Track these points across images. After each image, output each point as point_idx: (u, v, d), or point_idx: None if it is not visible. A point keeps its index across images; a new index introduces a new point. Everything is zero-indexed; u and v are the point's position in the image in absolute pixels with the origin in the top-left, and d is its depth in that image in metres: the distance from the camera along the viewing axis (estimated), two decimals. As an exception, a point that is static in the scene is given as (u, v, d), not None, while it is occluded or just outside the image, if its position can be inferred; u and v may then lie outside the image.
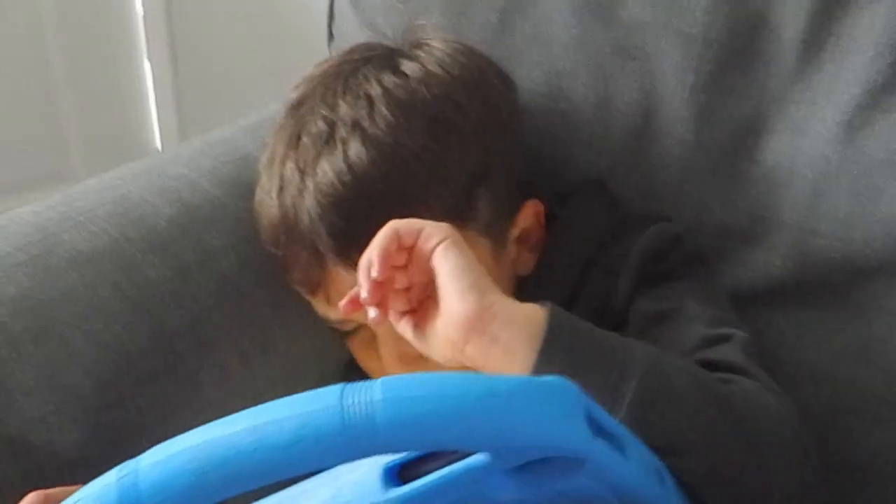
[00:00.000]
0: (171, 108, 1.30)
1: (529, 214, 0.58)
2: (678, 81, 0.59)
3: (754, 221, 0.59)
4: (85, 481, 0.31)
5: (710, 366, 0.48)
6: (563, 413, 0.33)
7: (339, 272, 0.53)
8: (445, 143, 0.53)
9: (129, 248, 0.53)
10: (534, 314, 0.44)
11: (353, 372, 0.59)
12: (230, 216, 0.58)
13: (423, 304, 0.46)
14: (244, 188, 0.59)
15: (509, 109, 0.57)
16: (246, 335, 0.55)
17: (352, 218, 0.52)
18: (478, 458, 0.32)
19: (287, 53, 1.04)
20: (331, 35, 0.73)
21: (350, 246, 0.51)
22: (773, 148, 0.58)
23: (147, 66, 1.30)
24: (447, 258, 0.44)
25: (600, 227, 0.58)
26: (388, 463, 0.33)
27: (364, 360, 0.58)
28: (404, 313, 0.46)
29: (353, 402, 0.30)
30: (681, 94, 0.59)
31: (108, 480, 0.31)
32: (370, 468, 0.34)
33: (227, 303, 0.55)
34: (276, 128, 0.57)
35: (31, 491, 0.39)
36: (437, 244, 0.44)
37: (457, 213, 0.53)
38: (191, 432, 0.32)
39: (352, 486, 0.35)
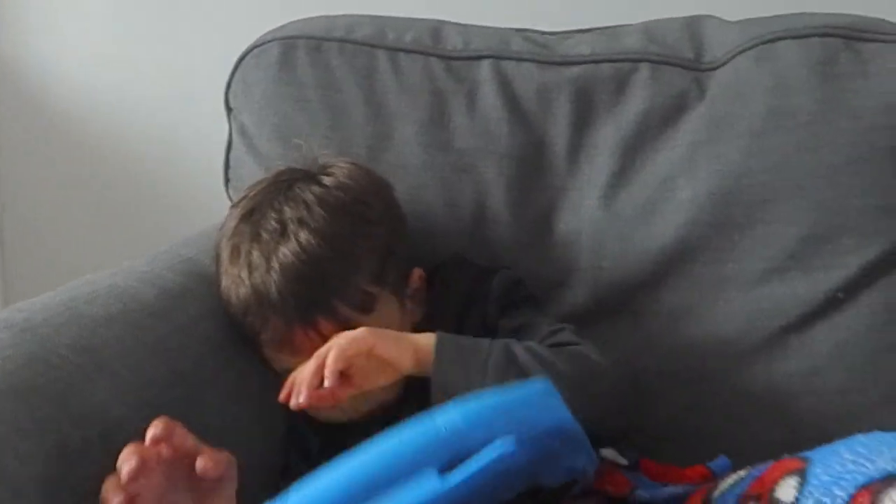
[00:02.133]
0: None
1: (416, 278, 0.81)
2: (497, 185, 0.86)
3: (561, 270, 0.86)
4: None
5: (557, 345, 0.73)
6: (558, 403, 0.54)
7: (298, 329, 0.72)
8: (363, 229, 0.76)
9: (135, 312, 0.67)
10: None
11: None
12: (196, 294, 0.74)
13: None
14: (198, 277, 0.76)
15: (396, 204, 0.81)
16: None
17: (310, 286, 0.71)
18: (506, 446, 0.50)
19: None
20: (227, 179, 0.93)
21: (309, 307, 0.71)
22: (564, 220, 0.87)
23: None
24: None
25: (468, 279, 0.82)
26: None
27: None
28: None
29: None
30: (500, 193, 0.86)
31: None
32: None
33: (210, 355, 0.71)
34: (230, 233, 0.75)
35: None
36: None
37: (377, 278, 0.75)
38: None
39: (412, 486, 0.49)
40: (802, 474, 0.53)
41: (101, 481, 0.55)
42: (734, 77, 0.84)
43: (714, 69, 0.86)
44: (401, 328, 0.76)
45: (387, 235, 0.77)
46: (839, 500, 0.49)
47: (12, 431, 0.52)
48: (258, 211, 0.75)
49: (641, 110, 0.85)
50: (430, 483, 0.50)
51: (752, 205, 0.81)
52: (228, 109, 0.92)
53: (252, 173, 0.88)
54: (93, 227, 1.22)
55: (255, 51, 0.91)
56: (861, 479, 0.49)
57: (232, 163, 0.92)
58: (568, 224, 0.86)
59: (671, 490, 0.66)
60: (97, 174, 1.23)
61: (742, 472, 0.60)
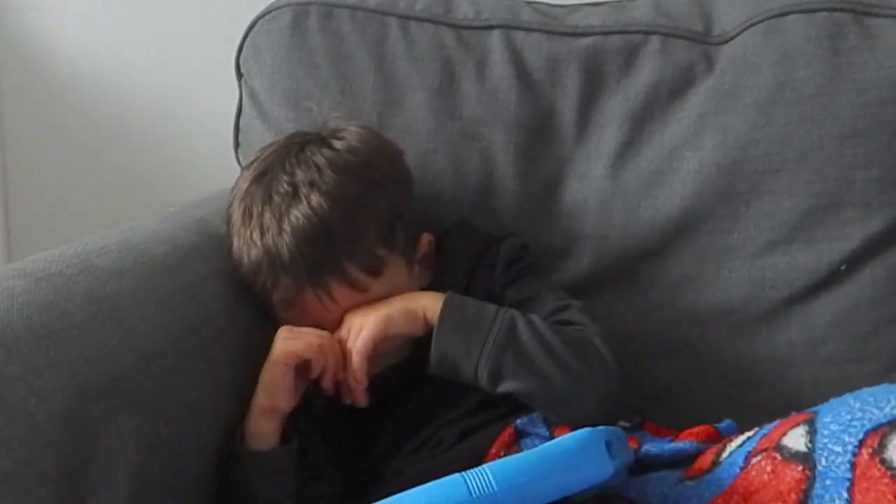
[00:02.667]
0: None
1: (425, 243, 0.82)
2: (504, 153, 0.88)
3: (566, 239, 0.87)
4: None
5: (561, 323, 0.74)
6: (597, 453, 0.53)
7: (308, 290, 0.72)
8: (373, 193, 0.76)
9: (147, 266, 0.68)
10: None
11: None
12: (206, 253, 0.75)
13: None
14: (208, 236, 0.77)
15: (405, 169, 0.82)
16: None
17: (320, 248, 0.72)
18: None
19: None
20: (237, 144, 0.94)
21: (319, 267, 0.72)
22: (571, 189, 0.88)
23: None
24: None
25: (475, 245, 0.83)
26: None
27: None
28: None
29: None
30: (507, 161, 0.88)
31: None
32: None
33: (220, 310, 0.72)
34: (242, 194, 0.76)
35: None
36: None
37: (386, 241, 0.75)
38: None
39: None
40: (811, 423, 0.54)
41: (115, 422, 0.56)
42: (742, 50, 0.85)
43: (723, 43, 0.87)
44: (409, 290, 0.77)
45: (396, 199, 0.78)
46: (850, 447, 0.50)
47: (30, 371, 0.53)
48: (270, 173, 0.75)
49: (650, 82, 0.86)
50: None
51: (757, 176, 0.82)
52: (239, 74, 0.93)
53: (262, 138, 0.88)
54: (99, 195, 1.22)
55: (267, 16, 0.91)
56: (869, 425, 0.50)
57: (242, 127, 0.93)
58: (574, 194, 0.87)
59: (679, 445, 0.67)
60: (104, 140, 1.23)
61: (750, 433, 0.61)
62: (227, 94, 0.94)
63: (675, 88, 0.86)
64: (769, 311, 0.82)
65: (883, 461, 0.49)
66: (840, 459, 0.51)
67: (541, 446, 0.53)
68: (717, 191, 0.83)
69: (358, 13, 0.90)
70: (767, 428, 0.59)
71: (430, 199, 0.87)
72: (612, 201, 0.86)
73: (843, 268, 0.80)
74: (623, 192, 0.86)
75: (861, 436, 0.50)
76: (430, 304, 0.73)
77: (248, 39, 0.92)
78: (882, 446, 0.49)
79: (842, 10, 0.83)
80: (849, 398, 0.54)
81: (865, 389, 0.54)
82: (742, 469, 0.57)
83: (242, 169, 0.80)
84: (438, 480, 0.49)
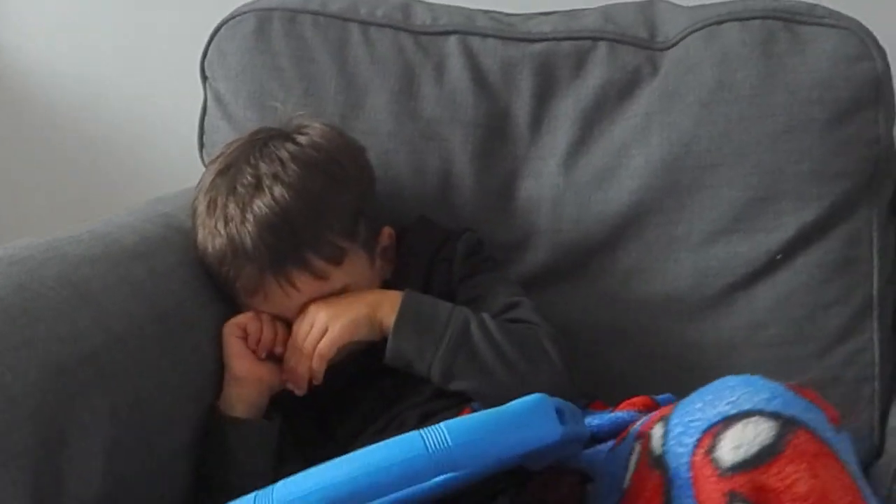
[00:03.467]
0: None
1: (386, 236, 0.85)
2: (463, 152, 0.91)
3: (522, 233, 0.91)
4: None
5: (511, 321, 0.78)
6: (546, 416, 0.55)
7: (270, 278, 0.75)
8: (336, 187, 0.79)
9: (117, 254, 0.70)
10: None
11: None
12: (174, 244, 0.77)
13: None
14: (176, 229, 0.80)
15: (367, 165, 0.85)
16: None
17: (282, 237, 0.75)
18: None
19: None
20: (202, 145, 0.96)
21: (281, 257, 0.75)
22: (526, 187, 0.92)
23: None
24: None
25: (433, 240, 0.86)
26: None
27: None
28: None
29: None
30: (465, 160, 0.91)
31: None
32: None
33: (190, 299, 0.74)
34: (207, 187, 0.78)
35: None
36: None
37: (348, 234, 0.78)
38: (310, 472, 0.51)
39: None
40: (666, 423, 0.55)
41: (88, 398, 0.58)
42: (685, 55, 0.90)
43: (666, 48, 0.92)
44: (371, 284, 0.80)
45: (358, 194, 0.81)
46: (689, 447, 0.51)
47: (4, 347, 0.55)
48: (234, 166, 0.78)
49: (599, 84, 0.91)
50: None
51: (699, 170, 0.87)
52: (204, 77, 0.95)
53: (227, 139, 0.90)
54: (64, 197, 1.23)
55: (231, 21, 0.94)
56: (704, 425, 0.51)
57: (207, 128, 0.95)
58: (529, 190, 0.91)
59: (617, 415, 0.70)
60: (68, 142, 1.24)
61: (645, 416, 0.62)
62: (191, 96, 0.96)
63: (623, 90, 0.91)
64: (714, 297, 0.87)
65: (714, 460, 0.49)
66: (683, 461, 0.51)
67: (495, 408, 0.56)
68: (662, 185, 0.88)
69: (320, 19, 0.93)
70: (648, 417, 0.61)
71: (392, 197, 0.90)
72: (564, 197, 0.90)
73: (779, 257, 0.85)
74: (575, 187, 0.90)
75: (698, 435, 0.51)
76: (386, 308, 0.76)
77: (212, 43, 0.94)
78: (713, 446, 0.49)
79: (774, 18, 0.89)
80: (694, 396, 0.54)
81: (710, 385, 0.55)
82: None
83: (207, 164, 0.83)
84: (396, 437, 0.52)
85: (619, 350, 0.88)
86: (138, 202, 0.88)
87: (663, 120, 0.89)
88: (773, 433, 0.48)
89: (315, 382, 0.75)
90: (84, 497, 0.55)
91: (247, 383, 0.73)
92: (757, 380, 0.52)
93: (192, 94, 0.96)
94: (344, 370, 0.77)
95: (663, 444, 0.54)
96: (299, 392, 0.75)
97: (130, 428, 0.62)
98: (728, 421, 0.50)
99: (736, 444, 0.49)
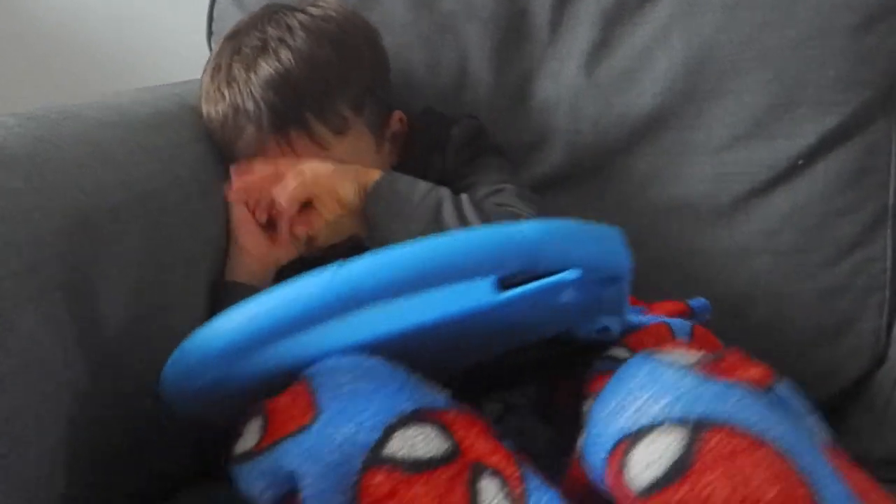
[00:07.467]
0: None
1: (396, 120, 0.83)
2: (479, 49, 0.90)
3: (539, 133, 0.89)
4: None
5: (498, 206, 0.75)
6: (621, 248, 0.52)
7: (271, 140, 0.72)
8: (344, 60, 0.76)
9: (133, 121, 0.67)
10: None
11: None
12: (187, 121, 0.74)
13: None
14: (189, 109, 0.77)
15: (380, 48, 0.82)
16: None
17: (284, 99, 0.72)
18: (572, 273, 0.47)
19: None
20: (210, 32, 0.92)
21: (282, 118, 0.72)
22: (543, 87, 0.90)
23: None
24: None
25: (433, 127, 0.83)
26: (497, 276, 0.46)
27: None
28: None
29: None
30: (482, 57, 0.89)
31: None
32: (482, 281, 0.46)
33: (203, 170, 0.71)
34: (214, 55, 0.76)
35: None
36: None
37: (354, 107, 0.76)
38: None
39: (465, 289, 0.46)
40: (590, 411, 0.48)
41: (112, 251, 0.55)
42: (710, -43, 0.88)
43: (691, -49, 0.90)
44: (374, 167, 0.77)
45: (368, 73, 0.78)
46: (602, 460, 0.45)
47: (31, 188, 0.52)
48: (242, 32, 0.76)
49: (620, -14, 0.89)
50: (483, 293, 0.46)
51: (721, 75, 0.86)
52: (213, -39, 0.91)
53: (236, 25, 0.87)
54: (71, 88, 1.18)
55: None
56: (611, 441, 0.45)
57: (216, 15, 0.92)
58: (547, 90, 0.90)
59: (650, 318, 0.69)
60: (74, 32, 1.18)
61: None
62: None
63: (644, -8, 0.89)
64: (730, 204, 0.86)
65: (628, 482, 0.43)
66: (599, 473, 0.46)
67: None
68: (683, 89, 0.87)
69: None
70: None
71: (404, 91, 0.87)
72: (584, 98, 0.88)
73: (800, 162, 0.85)
74: (595, 89, 0.88)
75: (604, 455, 0.45)
76: (369, 181, 0.73)
77: (223, -74, 0.90)
78: (624, 463, 0.43)
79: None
80: (607, 394, 0.47)
81: (615, 380, 0.48)
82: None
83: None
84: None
85: (634, 253, 0.87)
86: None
87: (686, 24, 0.87)
88: (682, 444, 0.42)
89: (296, 247, 0.72)
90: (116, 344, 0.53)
91: (250, 254, 0.71)
92: (662, 373, 0.46)
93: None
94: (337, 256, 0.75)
95: (583, 446, 0.48)
96: (286, 256, 0.73)
97: (149, 290, 0.60)
98: (636, 436, 0.44)
99: (646, 463, 0.43)
